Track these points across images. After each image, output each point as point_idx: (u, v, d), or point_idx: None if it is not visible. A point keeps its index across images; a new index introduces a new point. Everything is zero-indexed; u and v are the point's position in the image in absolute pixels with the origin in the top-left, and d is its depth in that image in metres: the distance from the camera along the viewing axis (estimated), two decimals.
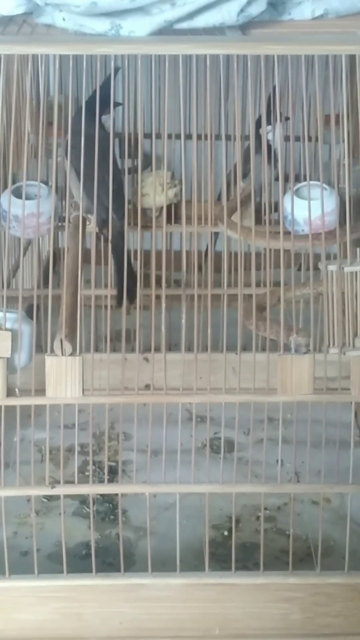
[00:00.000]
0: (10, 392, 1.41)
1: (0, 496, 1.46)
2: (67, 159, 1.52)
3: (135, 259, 1.72)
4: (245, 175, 1.70)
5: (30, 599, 1.47)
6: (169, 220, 1.78)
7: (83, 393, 1.40)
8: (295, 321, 1.45)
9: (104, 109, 1.52)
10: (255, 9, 1.45)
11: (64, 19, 1.46)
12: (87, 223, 1.66)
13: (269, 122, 1.62)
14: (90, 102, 1.48)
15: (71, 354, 1.38)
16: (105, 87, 1.53)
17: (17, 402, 1.42)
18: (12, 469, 1.49)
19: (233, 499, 1.49)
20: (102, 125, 1.52)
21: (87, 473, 1.66)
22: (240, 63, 1.40)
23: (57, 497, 1.57)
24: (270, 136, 1.66)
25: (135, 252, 1.71)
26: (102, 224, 1.55)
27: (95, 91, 1.57)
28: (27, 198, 1.57)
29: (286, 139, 1.79)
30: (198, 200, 1.72)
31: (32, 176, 1.63)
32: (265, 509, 1.64)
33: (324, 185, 1.52)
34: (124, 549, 1.48)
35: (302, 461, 1.51)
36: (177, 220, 1.82)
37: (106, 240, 1.83)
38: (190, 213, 1.72)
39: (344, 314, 1.42)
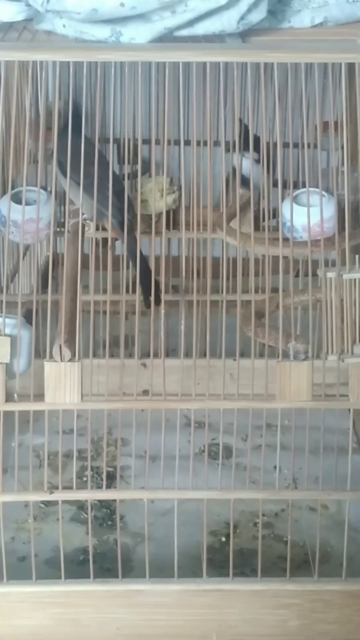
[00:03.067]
0: (9, 398, 1.41)
1: None
2: (60, 171, 1.51)
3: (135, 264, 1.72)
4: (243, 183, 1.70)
5: (28, 604, 1.47)
6: (167, 226, 1.78)
7: (82, 399, 1.40)
8: (293, 328, 1.45)
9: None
10: (255, 17, 1.45)
11: (64, 26, 1.46)
12: (87, 229, 1.66)
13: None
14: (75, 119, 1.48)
15: (70, 360, 1.38)
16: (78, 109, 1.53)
17: (15, 407, 1.42)
18: (10, 474, 1.49)
19: (231, 505, 1.49)
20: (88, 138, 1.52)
21: (85, 479, 1.66)
22: (239, 70, 1.41)
23: (54, 503, 1.57)
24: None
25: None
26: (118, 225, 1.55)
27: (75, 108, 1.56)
28: (27, 203, 1.57)
29: (285, 145, 1.79)
30: (197, 206, 1.73)
31: (31, 182, 1.63)
32: (263, 515, 1.64)
33: (323, 192, 1.52)
34: (121, 555, 1.48)
35: (300, 467, 1.51)
36: (176, 226, 1.83)
37: (105, 245, 1.84)
38: (189, 219, 1.72)
39: (343, 321, 1.42)
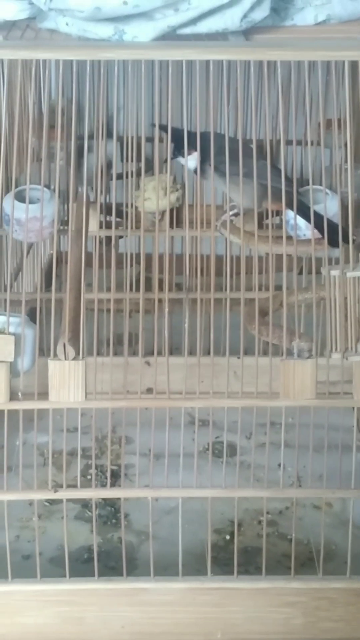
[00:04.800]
0: (13, 396, 1.41)
1: (3, 500, 1.46)
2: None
3: (138, 262, 1.73)
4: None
5: (32, 602, 1.47)
6: (171, 224, 1.78)
7: (86, 397, 1.40)
8: (297, 326, 1.44)
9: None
10: (258, 15, 1.45)
11: (67, 24, 1.46)
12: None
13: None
14: None
15: (74, 358, 1.38)
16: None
17: (20, 406, 1.42)
18: (14, 473, 1.49)
19: (235, 503, 1.49)
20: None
21: (89, 477, 1.66)
22: (242, 68, 1.40)
23: (59, 501, 1.57)
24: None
25: (138, 255, 1.72)
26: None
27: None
28: (30, 202, 1.57)
29: (288, 143, 1.79)
30: (200, 204, 1.72)
31: (35, 180, 1.63)
32: (267, 513, 1.64)
33: (326, 189, 1.52)
34: (126, 553, 1.48)
35: (304, 465, 1.51)
36: (179, 224, 1.83)
37: (109, 243, 1.84)
38: (192, 217, 1.72)
39: (347, 319, 1.42)
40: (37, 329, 1.43)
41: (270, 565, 1.50)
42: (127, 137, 1.82)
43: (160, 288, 1.58)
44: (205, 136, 1.42)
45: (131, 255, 1.87)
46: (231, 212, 1.62)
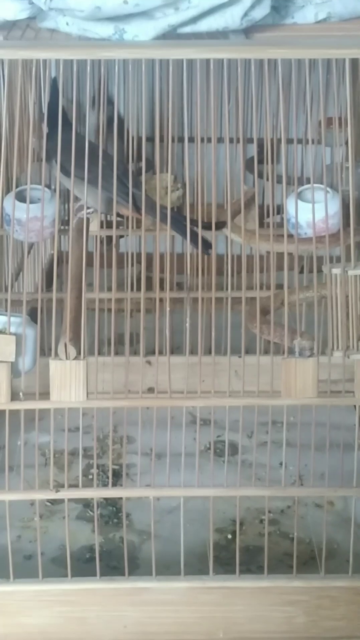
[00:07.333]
0: (14, 396, 1.41)
1: (5, 500, 1.46)
2: (56, 165, 1.48)
3: (139, 262, 1.73)
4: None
5: (34, 602, 1.47)
6: None
7: (87, 397, 1.40)
8: (299, 324, 1.44)
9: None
10: (259, 13, 1.45)
11: (67, 24, 1.46)
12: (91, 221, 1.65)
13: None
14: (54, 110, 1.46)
15: (75, 358, 1.38)
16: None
17: (21, 406, 1.42)
18: (16, 473, 1.49)
19: (237, 502, 1.49)
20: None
21: (90, 477, 1.67)
22: (243, 66, 1.40)
23: (60, 501, 1.57)
24: None
25: (139, 254, 1.72)
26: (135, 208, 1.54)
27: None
28: (31, 202, 1.57)
29: (289, 141, 1.79)
30: (201, 203, 1.72)
31: (35, 180, 1.63)
32: (269, 512, 1.63)
33: (327, 188, 1.52)
34: (127, 553, 1.48)
35: (306, 464, 1.51)
36: None
37: (110, 243, 1.84)
38: (193, 216, 1.71)
39: (348, 317, 1.42)
40: (38, 329, 1.43)
41: (272, 564, 1.50)
42: (128, 137, 1.82)
43: (161, 287, 1.58)
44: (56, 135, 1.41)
45: (132, 254, 1.87)
46: (88, 210, 1.63)
